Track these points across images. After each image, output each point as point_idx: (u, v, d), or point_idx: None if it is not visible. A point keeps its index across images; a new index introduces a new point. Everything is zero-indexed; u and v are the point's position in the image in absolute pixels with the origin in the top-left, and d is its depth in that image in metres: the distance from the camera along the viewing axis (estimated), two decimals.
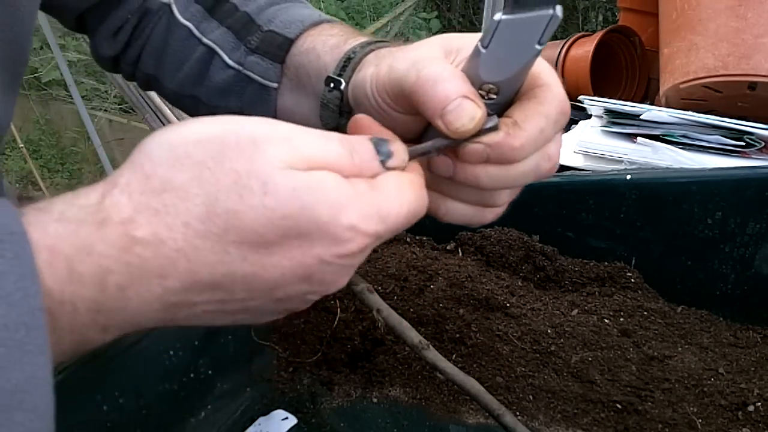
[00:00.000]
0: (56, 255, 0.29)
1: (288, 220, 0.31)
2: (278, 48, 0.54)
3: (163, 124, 2.20)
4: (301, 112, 0.56)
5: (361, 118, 0.39)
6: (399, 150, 0.37)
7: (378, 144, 0.36)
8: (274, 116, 0.58)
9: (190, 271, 0.31)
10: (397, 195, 0.35)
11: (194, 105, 0.62)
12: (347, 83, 0.47)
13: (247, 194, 0.31)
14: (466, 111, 0.37)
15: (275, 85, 0.56)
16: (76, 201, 0.31)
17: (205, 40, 0.58)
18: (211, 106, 0.62)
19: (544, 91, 0.39)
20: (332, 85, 0.49)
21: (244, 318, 0.35)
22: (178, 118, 2.19)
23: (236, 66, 0.57)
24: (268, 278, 0.33)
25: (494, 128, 0.38)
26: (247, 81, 0.57)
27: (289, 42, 0.54)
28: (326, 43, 0.52)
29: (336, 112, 0.49)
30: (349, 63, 0.48)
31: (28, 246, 0.29)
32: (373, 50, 0.48)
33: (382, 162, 0.36)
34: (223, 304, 0.33)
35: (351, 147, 0.35)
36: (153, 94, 2.17)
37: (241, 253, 0.32)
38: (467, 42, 0.41)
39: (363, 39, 0.49)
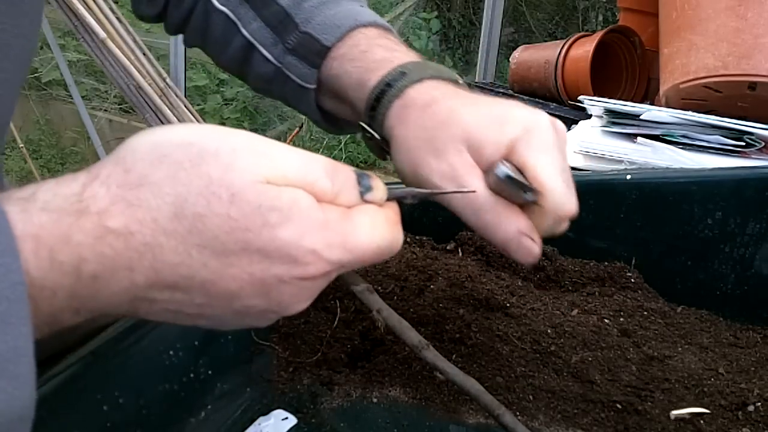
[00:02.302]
0: (41, 244, 0.30)
1: (249, 234, 0.32)
2: (315, 55, 0.55)
3: (164, 125, 2.20)
4: (344, 114, 0.57)
5: None
6: (379, 186, 0.38)
7: (360, 176, 0.37)
8: (316, 111, 0.59)
9: (153, 268, 0.32)
10: (369, 229, 0.36)
11: (243, 79, 0.63)
12: (381, 127, 0.50)
13: (214, 201, 0.32)
14: (526, 248, 0.45)
15: (313, 86, 0.57)
16: (59, 190, 0.32)
17: (244, 31, 0.58)
18: (255, 88, 0.62)
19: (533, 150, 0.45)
20: (367, 135, 0.52)
21: (204, 323, 0.36)
22: (178, 119, 2.19)
23: (276, 62, 0.58)
24: (226, 288, 0.33)
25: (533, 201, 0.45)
26: (286, 78, 0.57)
27: (326, 49, 0.54)
28: (351, 74, 0.53)
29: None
30: (375, 112, 0.50)
31: (8, 223, 0.30)
32: (395, 101, 0.49)
33: (361, 194, 0.36)
34: (182, 306, 0.34)
35: (333, 173, 0.35)
36: (153, 94, 2.17)
37: (203, 258, 0.32)
38: (488, 137, 0.45)
39: (384, 71, 0.51)
